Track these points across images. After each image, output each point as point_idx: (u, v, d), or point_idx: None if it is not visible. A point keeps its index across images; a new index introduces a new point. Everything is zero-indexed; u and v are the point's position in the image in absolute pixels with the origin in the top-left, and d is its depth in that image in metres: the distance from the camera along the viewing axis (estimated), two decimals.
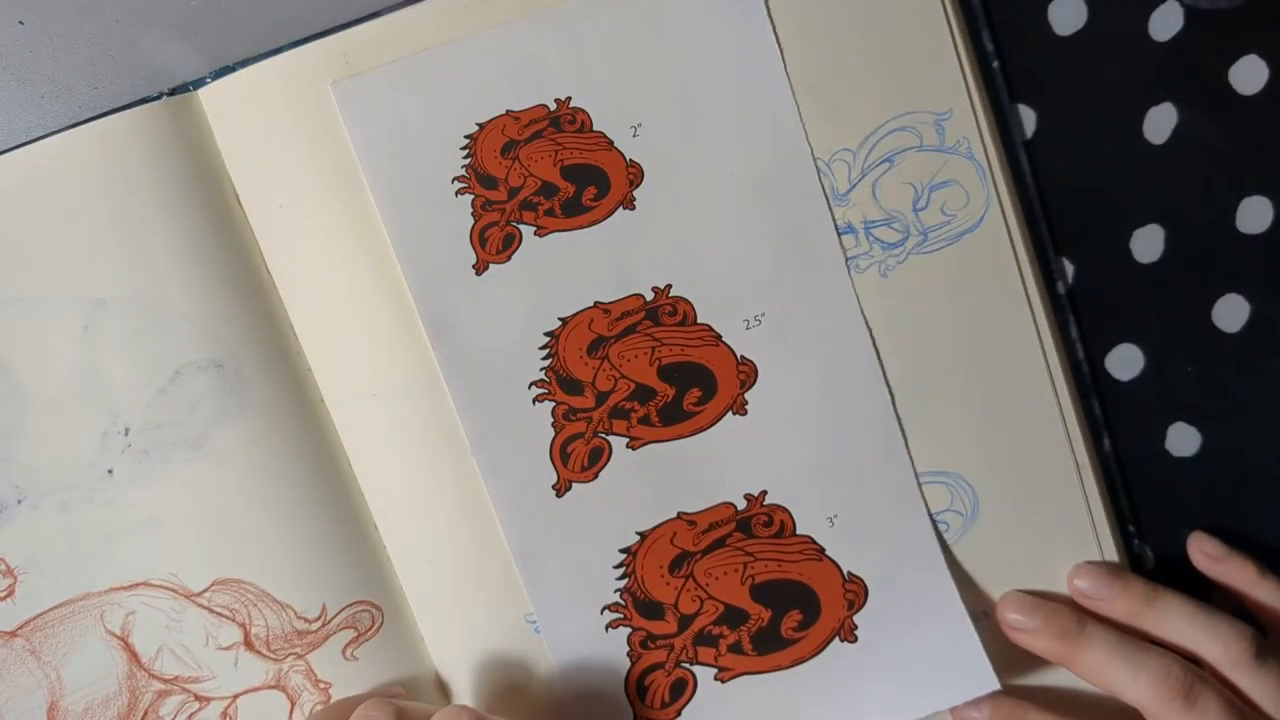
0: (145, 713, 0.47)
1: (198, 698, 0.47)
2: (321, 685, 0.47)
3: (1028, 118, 0.48)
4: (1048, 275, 0.48)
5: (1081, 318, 0.49)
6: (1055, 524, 0.48)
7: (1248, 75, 0.48)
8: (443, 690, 0.48)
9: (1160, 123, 0.48)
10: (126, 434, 0.46)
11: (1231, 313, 0.49)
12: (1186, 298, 0.49)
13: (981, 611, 0.48)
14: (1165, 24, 0.48)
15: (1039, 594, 0.48)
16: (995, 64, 0.47)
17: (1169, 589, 0.46)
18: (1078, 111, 0.48)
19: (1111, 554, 0.48)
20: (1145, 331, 0.49)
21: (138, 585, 0.46)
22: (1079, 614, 0.46)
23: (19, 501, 0.46)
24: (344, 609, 0.47)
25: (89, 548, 0.46)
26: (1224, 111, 0.48)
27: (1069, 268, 0.49)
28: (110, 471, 0.46)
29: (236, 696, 0.47)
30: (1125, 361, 0.49)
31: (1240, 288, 0.49)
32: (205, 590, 0.46)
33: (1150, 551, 0.50)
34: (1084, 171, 0.48)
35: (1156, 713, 0.43)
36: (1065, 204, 0.48)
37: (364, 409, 0.46)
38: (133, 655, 0.47)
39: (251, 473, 0.46)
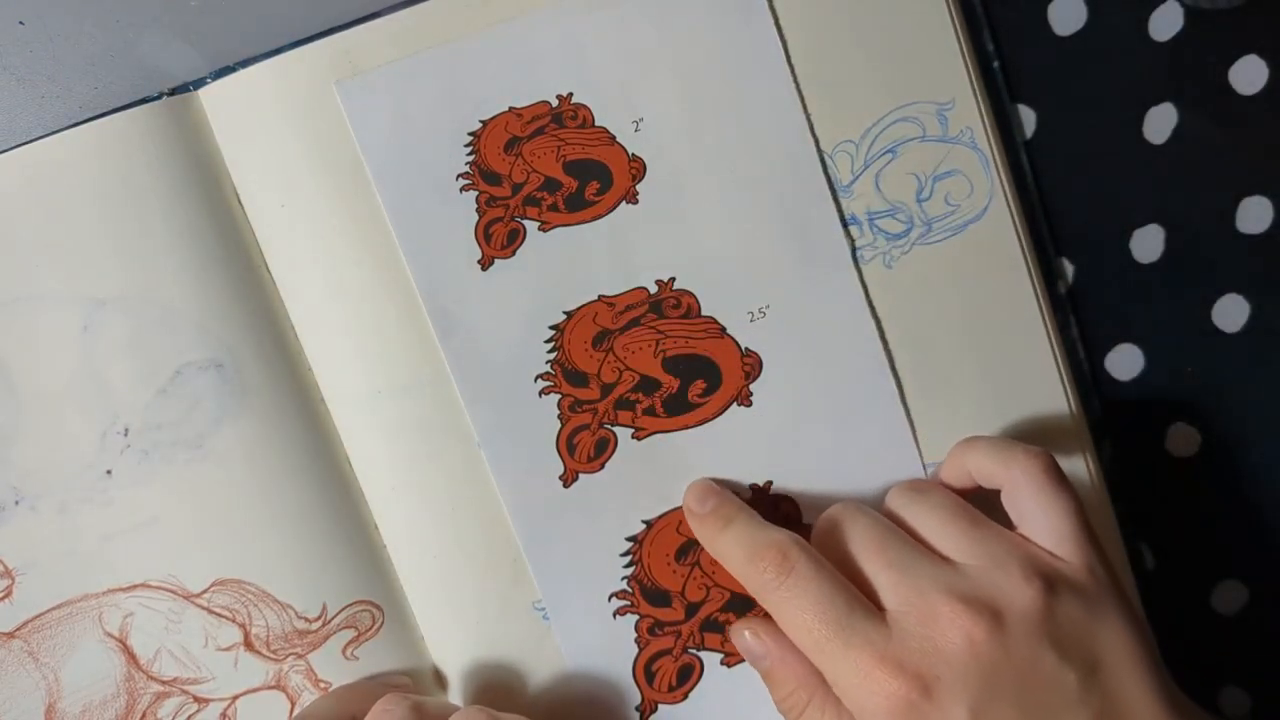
0: (144, 714, 0.46)
1: (196, 699, 0.47)
2: (322, 685, 0.47)
3: (1028, 118, 0.48)
4: (1048, 275, 0.48)
5: (1081, 318, 0.49)
6: None
7: (1248, 75, 0.48)
8: (443, 688, 0.48)
9: (1160, 123, 0.48)
10: (126, 434, 0.46)
11: (1231, 313, 0.49)
12: (1186, 298, 0.49)
13: None
14: (1165, 24, 0.48)
15: (722, 487, 0.47)
16: (995, 64, 0.48)
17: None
18: (1078, 111, 0.48)
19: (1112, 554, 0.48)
20: (1145, 331, 0.49)
21: (136, 586, 0.46)
22: (738, 506, 0.45)
23: (17, 502, 0.46)
24: (344, 609, 0.47)
25: (87, 549, 0.46)
26: (1224, 111, 0.48)
27: (1069, 268, 0.49)
28: (109, 472, 0.46)
29: (236, 697, 0.47)
30: (1125, 361, 0.49)
31: (1240, 288, 0.49)
32: (205, 591, 0.46)
33: (1150, 551, 0.50)
34: (1084, 171, 0.48)
35: (750, 581, 0.43)
36: (1065, 204, 0.48)
37: (365, 407, 0.46)
38: (131, 657, 0.46)
39: (252, 473, 0.46)
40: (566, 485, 0.47)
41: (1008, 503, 0.43)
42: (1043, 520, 0.42)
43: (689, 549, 0.48)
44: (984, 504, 0.44)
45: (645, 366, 0.47)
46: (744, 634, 0.45)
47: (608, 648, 0.48)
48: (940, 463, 0.46)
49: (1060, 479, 0.42)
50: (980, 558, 0.41)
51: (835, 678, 0.41)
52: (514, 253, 0.46)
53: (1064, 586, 0.40)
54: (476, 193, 0.46)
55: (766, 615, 0.43)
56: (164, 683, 0.47)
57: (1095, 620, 0.40)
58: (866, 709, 0.40)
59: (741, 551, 0.43)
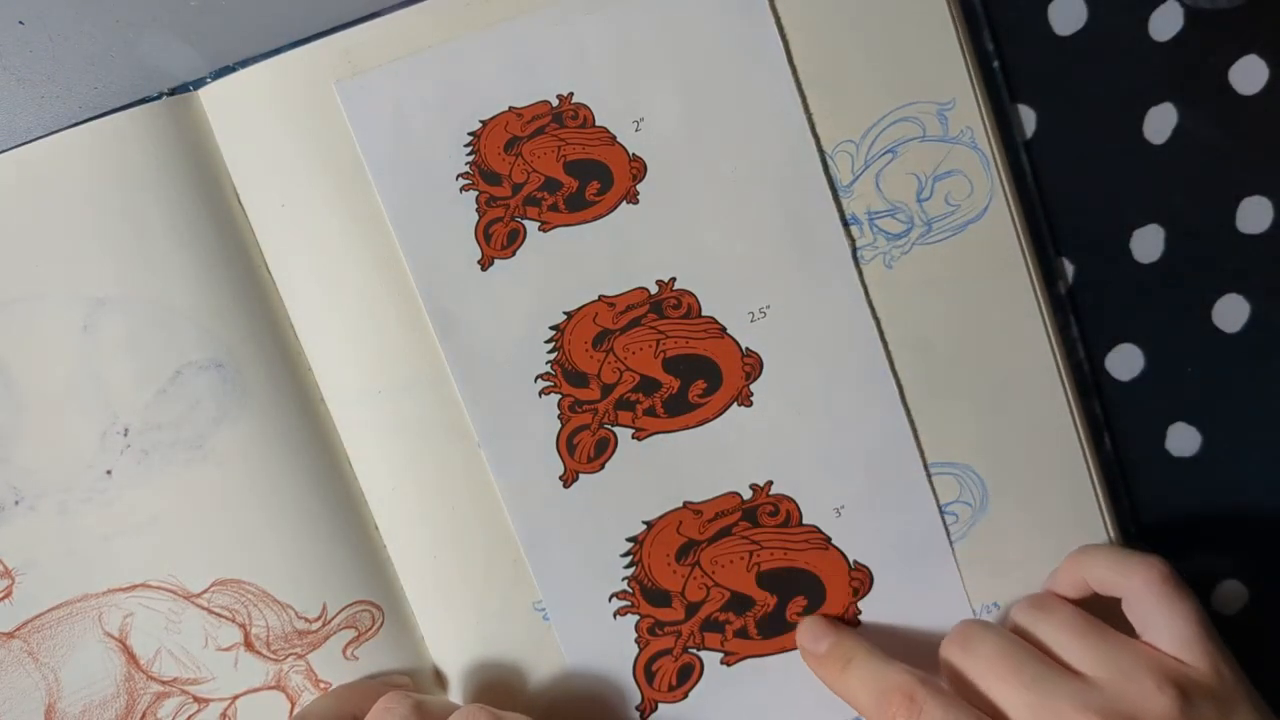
0: (143, 715, 0.47)
1: (196, 699, 0.47)
2: (322, 685, 0.47)
3: (1028, 118, 0.48)
4: (1048, 275, 0.48)
5: (1081, 318, 0.49)
6: (1064, 517, 0.48)
7: (1248, 75, 0.48)
8: (443, 687, 0.48)
9: (1160, 123, 0.48)
10: (126, 434, 0.46)
11: (1231, 313, 0.49)
12: (1186, 298, 0.49)
13: (992, 603, 0.48)
14: (1165, 24, 0.48)
15: (836, 624, 0.48)
16: (995, 64, 0.47)
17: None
18: (1078, 111, 0.48)
19: None
20: (1145, 331, 0.49)
21: (136, 586, 0.46)
22: (856, 645, 0.46)
23: (16, 502, 0.46)
24: (344, 609, 0.47)
25: (87, 549, 0.46)
26: (1224, 111, 0.48)
27: (1069, 268, 0.49)
28: (109, 472, 0.46)
29: (236, 697, 0.47)
30: (1125, 361, 0.49)
31: (1240, 288, 0.49)
32: (205, 591, 0.46)
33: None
34: (1084, 171, 0.48)
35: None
36: (1065, 204, 0.48)
37: (365, 407, 0.46)
38: (131, 657, 0.46)
39: (252, 473, 0.46)
40: (566, 485, 0.47)
41: (1129, 611, 0.44)
42: (1167, 628, 0.42)
43: (689, 549, 0.48)
44: (1099, 610, 0.45)
45: (645, 367, 0.47)
46: None
47: (608, 647, 0.48)
48: (1054, 571, 0.47)
49: (1180, 585, 0.43)
50: (1112, 671, 0.42)
51: None
52: (514, 253, 0.46)
53: (1196, 693, 0.41)
54: (476, 193, 0.46)
55: None
56: (164, 683, 0.47)
57: None
58: None
59: (868, 694, 0.44)
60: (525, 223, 0.46)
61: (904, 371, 0.47)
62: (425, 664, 0.48)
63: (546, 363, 0.47)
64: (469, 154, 0.46)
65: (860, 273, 0.47)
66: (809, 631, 0.47)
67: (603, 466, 0.47)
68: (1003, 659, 0.43)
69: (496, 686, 0.47)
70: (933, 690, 0.42)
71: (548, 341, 0.47)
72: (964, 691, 0.43)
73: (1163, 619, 0.43)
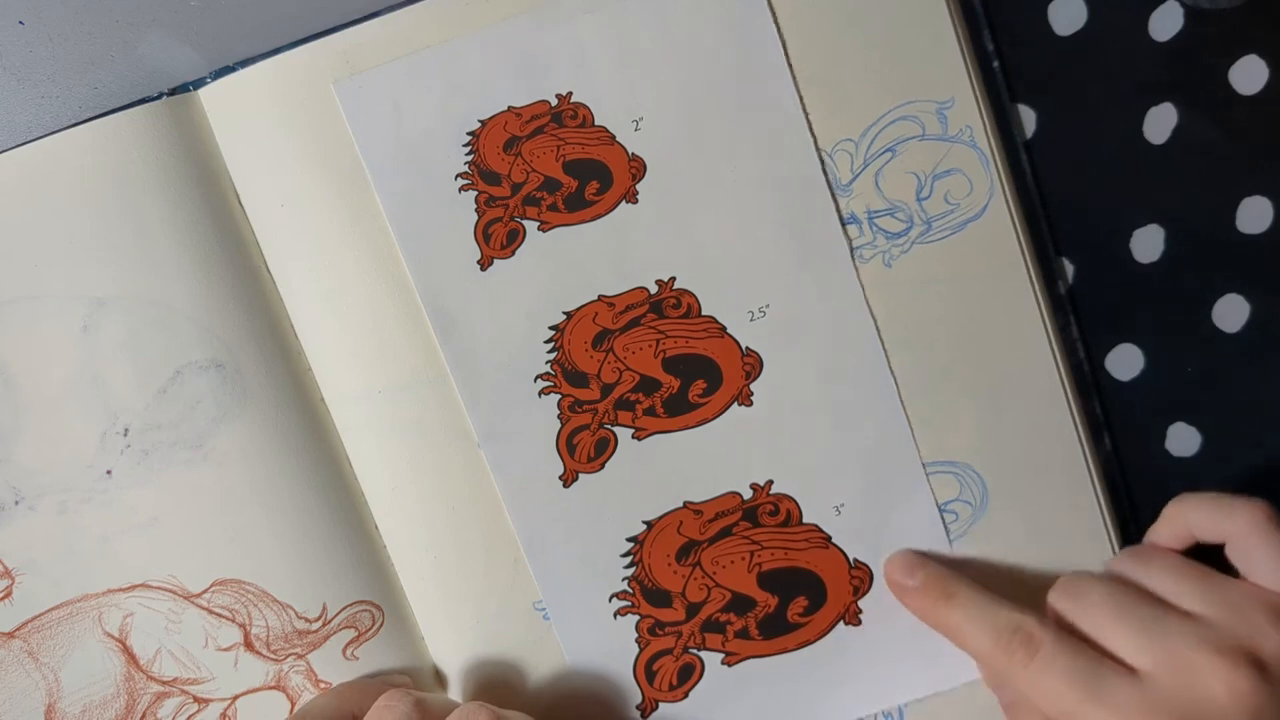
0: (143, 714, 0.47)
1: (196, 699, 0.47)
2: (322, 685, 0.47)
3: (1028, 118, 0.48)
4: (1048, 275, 0.48)
5: (1081, 318, 0.49)
6: (1064, 516, 0.48)
7: (1248, 75, 0.48)
8: (443, 687, 0.48)
9: (1160, 123, 0.48)
10: (126, 434, 0.46)
11: (1231, 313, 0.49)
12: (1186, 298, 0.49)
13: None
14: (1165, 24, 0.48)
15: (924, 555, 0.48)
16: (995, 64, 0.47)
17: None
18: (1078, 111, 0.48)
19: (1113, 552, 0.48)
20: (1145, 331, 0.49)
21: (136, 587, 0.46)
22: (953, 577, 0.46)
23: (17, 502, 0.46)
24: (344, 609, 0.47)
25: (87, 549, 0.46)
26: (1224, 111, 0.48)
27: (1069, 268, 0.49)
28: (109, 472, 0.46)
29: (236, 698, 0.47)
30: (1125, 361, 0.49)
31: (1240, 288, 0.49)
32: (205, 591, 0.46)
33: None
34: (1084, 171, 0.48)
35: (997, 662, 0.43)
36: (1065, 204, 0.48)
37: (365, 407, 0.46)
38: (131, 657, 0.46)
39: (252, 473, 0.46)
40: (566, 485, 0.47)
41: (1234, 554, 0.44)
42: (1275, 567, 0.42)
43: (690, 549, 0.48)
44: (1200, 560, 0.44)
45: (645, 366, 0.47)
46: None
47: (608, 647, 0.48)
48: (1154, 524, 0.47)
49: None
50: (1223, 608, 0.41)
51: None
52: (513, 253, 0.46)
53: None
54: (476, 193, 0.46)
55: None
56: (164, 683, 0.47)
57: None
58: None
59: (981, 632, 0.44)
60: (525, 222, 0.46)
61: (903, 370, 0.47)
62: (425, 664, 0.48)
63: (546, 363, 0.47)
64: (468, 154, 0.46)
65: (859, 272, 0.47)
66: (901, 565, 0.47)
67: (603, 466, 0.47)
68: (1113, 603, 0.43)
69: (496, 686, 0.47)
70: (1050, 629, 0.42)
71: (547, 341, 0.47)
72: (1076, 638, 0.43)
73: (1270, 559, 0.42)
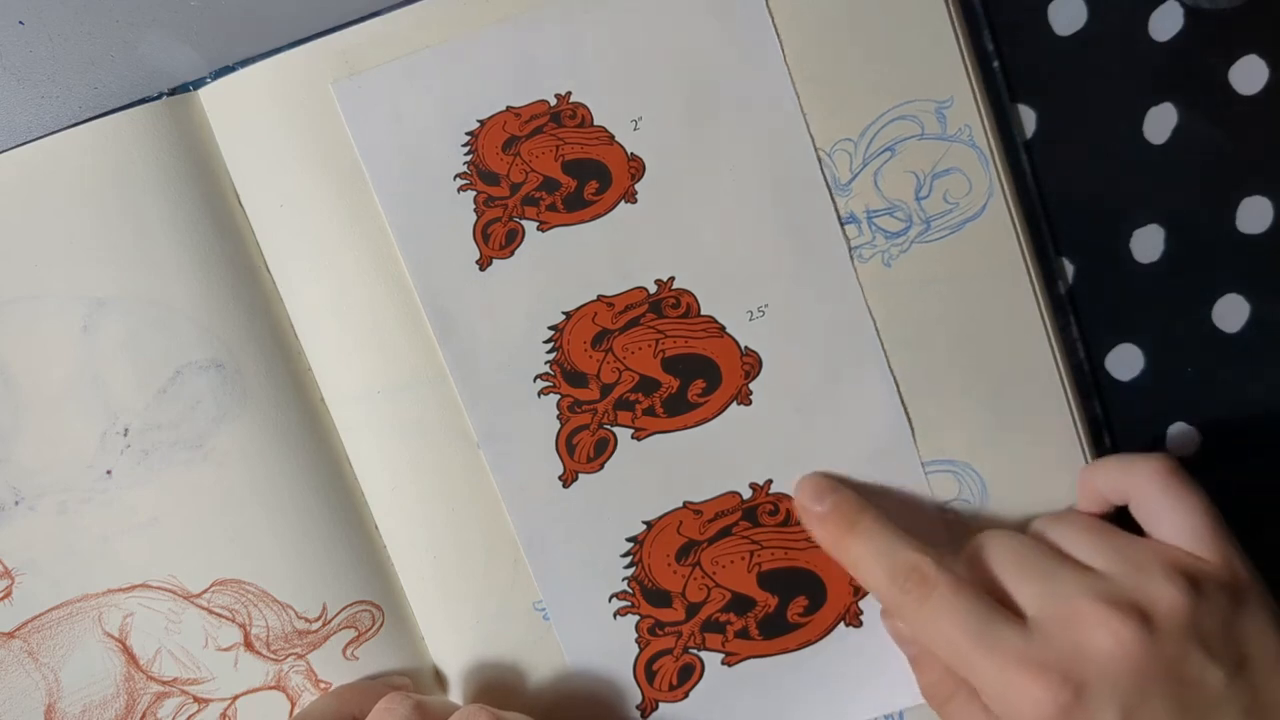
0: (143, 714, 0.47)
1: (196, 699, 0.47)
2: (322, 685, 0.47)
3: (1028, 118, 0.48)
4: (1048, 275, 0.48)
5: (1081, 318, 0.49)
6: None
7: (1248, 75, 0.48)
8: (443, 688, 0.48)
9: (1160, 123, 0.48)
10: (126, 434, 0.46)
11: (1231, 313, 0.49)
12: (1186, 298, 0.49)
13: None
14: (1165, 24, 0.48)
15: (837, 481, 0.48)
16: (995, 64, 0.47)
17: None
18: (1078, 111, 0.48)
19: None
20: (1145, 331, 0.49)
21: (136, 587, 0.46)
22: (861, 506, 0.46)
23: (17, 502, 0.46)
24: (344, 609, 0.47)
25: (87, 549, 0.46)
26: (1224, 111, 0.48)
27: (1069, 268, 0.49)
28: (109, 472, 0.46)
29: (236, 697, 0.47)
30: (1125, 361, 0.49)
31: (1240, 288, 0.49)
32: (205, 591, 0.46)
33: None
34: (1084, 171, 0.48)
35: (892, 599, 0.43)
36: (1065, 204, 0.48)
37: (365, 407, 0.46)
38: (131, 657, 0.46)
39: (252, 473, 0.46)
40: (566, 485, 0.47)
41: (1137, 511, 0.44)
42: (1174, 520, 0.43)
43: (690, 549, 0.48)
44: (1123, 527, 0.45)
45: (645, 366, 0.47)
46: (895, 622, 0.46)
47: (608, 647, 0.48)
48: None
49: (1186, 479, 0.43)
50: (1122, 563, 0.42)
51: (982, 685, 0.41)
52: (512, 253, 0.46)
53: (1207, 584, 0.41)
54: (475, 193, 0.46)
55: None
56: (164, 683, 0.47)
57: (1240, 616, 0.41)
58: (1014, 714, 0.40)
59: (878, 567, 0.44)
60: (524, 223, 0.46)
61: (902, 369, 0.47)
62: (425, 664, 0.48)
63: (545, 363, 0.47)
64: (467, 154, 0.46)
65: (858, 271, 0.47)
66: (810, 489, 0.47)
67: (602, 466, 0.47)
68: (1014, 554, 0.43)
69: (496, 686, 0.47)
70: (946, 571, 0.42)
71: (546, 341, 0.47)
72: (977, 583, 0.43)
73: (1170, 513, 0.43)
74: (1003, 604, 0.42)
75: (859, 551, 0.45)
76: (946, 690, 0.44)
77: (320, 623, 0.46)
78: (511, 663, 0.48)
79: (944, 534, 0.48)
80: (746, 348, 0.47)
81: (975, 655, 0.41)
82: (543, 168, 0.46)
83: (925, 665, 0.45)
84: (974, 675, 0.41)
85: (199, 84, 0.46)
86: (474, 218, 0.46)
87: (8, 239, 0.45)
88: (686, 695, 0.48)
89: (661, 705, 0.48)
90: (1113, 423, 0.49)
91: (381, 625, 0.47)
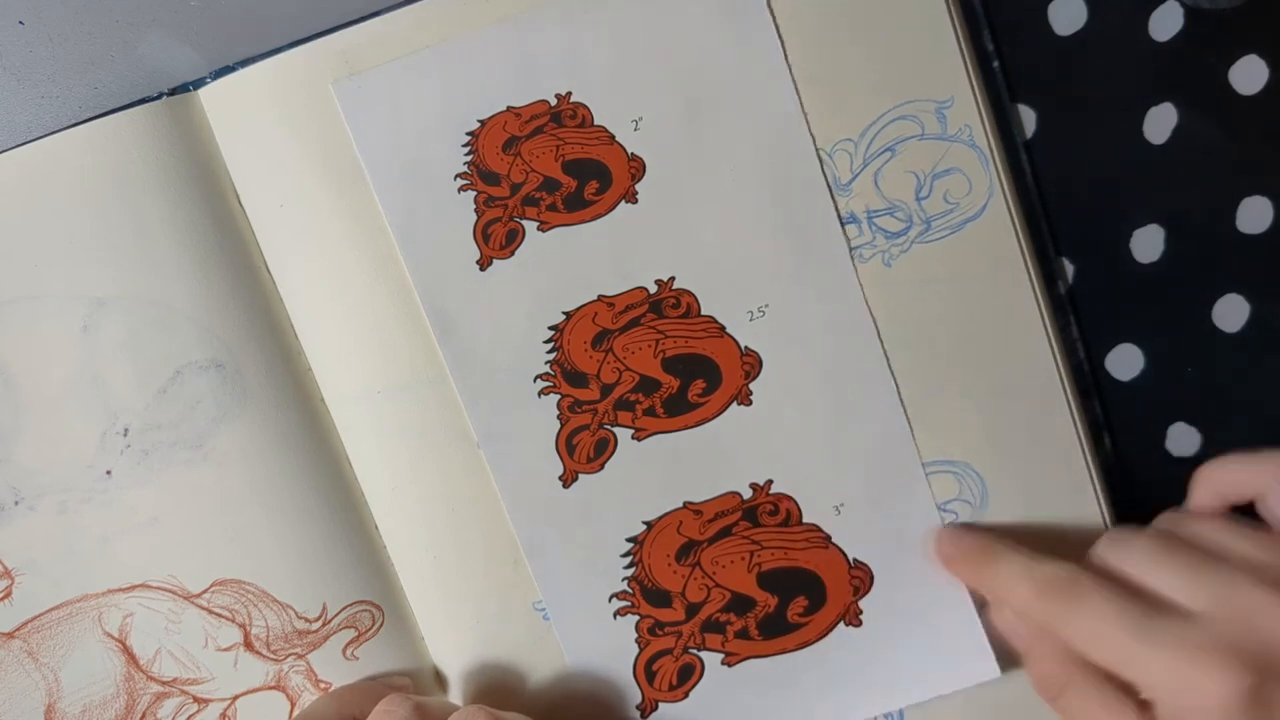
0: (143, 715, 0.47)
1: (196, 699, 0.47)
2: (322, 685, 0.47)
3: (1028, 118, 0.48)
4: (1048, 275, 0.48)
5: (1081, 318, 0.49)
6: (1063, 516, 0.48)
7: (1248, 75, 0.48)
8: (443, 688, 0.48)
9: (1160, 123, 0.48)
10: (126, 434, 0.46)
11: (1231, 313, 0.49)
12: (1186, 298, 0.49)
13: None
14: (1165, 24, 0.48)
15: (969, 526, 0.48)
16: (995, 64, 0.47)
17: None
18: (1078, 111, 0.48)
19: None
20: (1145, 331, 0.49)
21: (136, 587, 0.46)
22: (995, 539, 0.46)
23: (17, 502, 0.46)
24: (344, 609, 0.47)
25: (87, 549, 0.46)
26: (1224, 111, 0.48)
27: (1069, 268, 0.49)
28: (109, 472, 0.46)
29: (236, 698, 0.47)
30: (1125, 361, 0.49)
31: (1240, 288, 0.49)
32: (205, 591, 0.46)
33: None
34: (1084, 171, 0.48)
35: (1040, 612, 0.43)
36: (1065, 204, 0.48)
37: (365, 407, 0.46)
38: (130, 657, 0.46)
39: (252, 473, 0.46)
40: (566, 485, 0.47)
41: (1265, 508, 0.44)
42: None
43: (690, 549, 0.48)
44: None
45: (645, 367, 0.47)
46: (1005, 613, 0.46)
47: (608, 647, 0.48)
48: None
49: None
50: (1270, 552, 0.41)
51: (1150, 678, 0.40)
52: (513, 253, 0.46)
53: None
54: (475, 193, 0.46)
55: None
56: (164, 683, 0.47)
57: None
58: (1191, 703, 0.39)
59: (1023, 587, 0.44)
60: (524, 223, 0.46)
61: (903, 369, 0.47)
62: (425, 664, 0.48)
63: (546, 363, 0.47)
64: (467, 154, 0.46)
65: (859, 271, 0.47)
66: (947, 536, 0.47)
67: (602, 466, 0.47)
68: (1161, 549, 0.42)
69: (496, 687, 0.47)
70: (1093, 577, 0.42)
71: (547, 342, 0.47)
72: (1122, 584, 0.42)
73: None
74: (1156, 599, 0.41)
75: (1002, 575, 0.45)
76: (1059, 682, 0.43)
77: (320, 623, 0.46)
78: (511, 663, 0.48)
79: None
80: (747, 348, 0.47)
81: (1141, 649, 0.40)
82: (543, 168, 0.46)
83: (1037, 658, 0.44)
84: (1140, 670, 0.40)
85: (199, 84, 0.46)
86: (474, 218, 0.46)
87: (8, 239, 0.45)
88: (686, 695, 0.48)
89: (661, 705, 0.48)
90: (1113, 423, 0.49)
91: (381, 625, 0.47)
